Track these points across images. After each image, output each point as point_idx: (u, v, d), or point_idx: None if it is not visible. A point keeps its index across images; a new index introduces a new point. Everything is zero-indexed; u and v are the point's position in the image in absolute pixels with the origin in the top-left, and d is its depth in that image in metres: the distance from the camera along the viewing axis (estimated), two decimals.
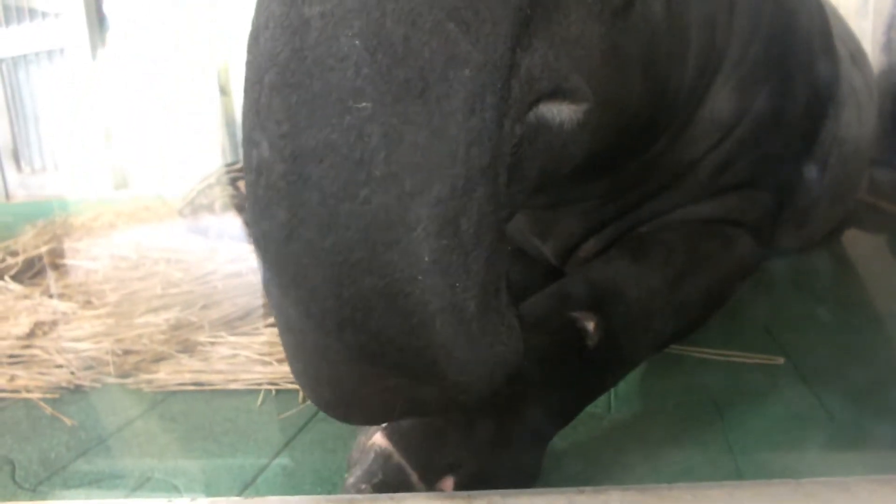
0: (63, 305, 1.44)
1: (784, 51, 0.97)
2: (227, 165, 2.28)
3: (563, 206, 0.98)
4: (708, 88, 0.89)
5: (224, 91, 4.03)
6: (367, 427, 0.67)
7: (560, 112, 0.55)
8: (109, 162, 4.56)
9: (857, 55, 1.53)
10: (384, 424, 0.63)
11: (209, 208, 2.01)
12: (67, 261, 1.74)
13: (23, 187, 5.10)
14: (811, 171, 1.25)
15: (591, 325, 0.74)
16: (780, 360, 0.96)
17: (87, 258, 1.79)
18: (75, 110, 4.77)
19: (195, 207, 2.03)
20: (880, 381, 0.88)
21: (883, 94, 2.10)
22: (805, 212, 1.31)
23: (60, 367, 1.13)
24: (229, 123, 4.04)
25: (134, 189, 4.48)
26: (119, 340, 1.22)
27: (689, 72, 0.83)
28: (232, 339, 1.20)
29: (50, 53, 4.87)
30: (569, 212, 0.98)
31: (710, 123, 0.89)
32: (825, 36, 1.24)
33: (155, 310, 1.33)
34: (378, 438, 0.62)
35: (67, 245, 1.85)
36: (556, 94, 0.54)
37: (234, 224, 1.96)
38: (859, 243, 1.64)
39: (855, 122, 1.39)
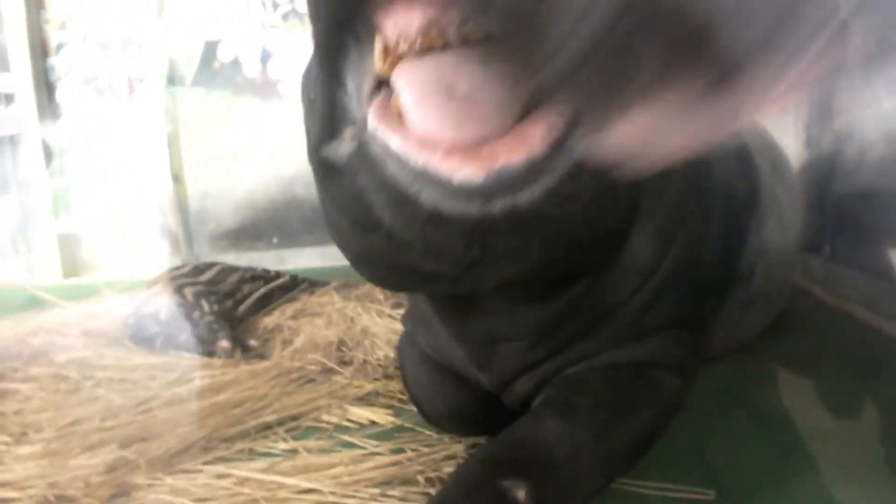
0: None
1: (699, 191, 1.03)
2: (173, 270, 2.27)
3: (497, 342, 1.00)
4: (626, 236, 0.93)
5: (177, 179, 4.03)
6: None
7: None
8: (59, 251, 4.48)
9: (778, 163, 1.61)
10: None
11: (154, 318, 1.99)
12: (2, 384, 1.69)
13: None
14: (736, 287, 1.30)
15: (521, 494, 0.75)
16: (712, 495, 0.98)
17: (26, 378, 1.74)
18: (26, 198, 4.71)
19: (140, 317, 2.01)
20: None
21: (808, 185, 2.21)
22: (733, 321, 1.36)
23: None
24: (183, 211, 4.03)
25: (84, 277, 4.41)
26: (52, 485, 1.18)
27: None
28: (169, 480, 1.17)
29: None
30: (502, 349, 1.01)
31: (630, 269, 0.94)
32: (742, 159, 1.31)
33: (91, 448, 1.29)
34: None
35: (5, 366, 1.81)
36: None
37: (180, 334, 1.93)
38: (792, 339, 1.69)
39: (778, 230, 1.45)
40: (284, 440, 1.30)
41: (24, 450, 1.33)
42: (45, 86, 4.58)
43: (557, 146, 0.49)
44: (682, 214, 0.99)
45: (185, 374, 1.67)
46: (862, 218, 1.93)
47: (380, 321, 1.97)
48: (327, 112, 0.65)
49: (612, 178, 0.61)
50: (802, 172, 2.21)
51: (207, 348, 1.85)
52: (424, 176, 0.50)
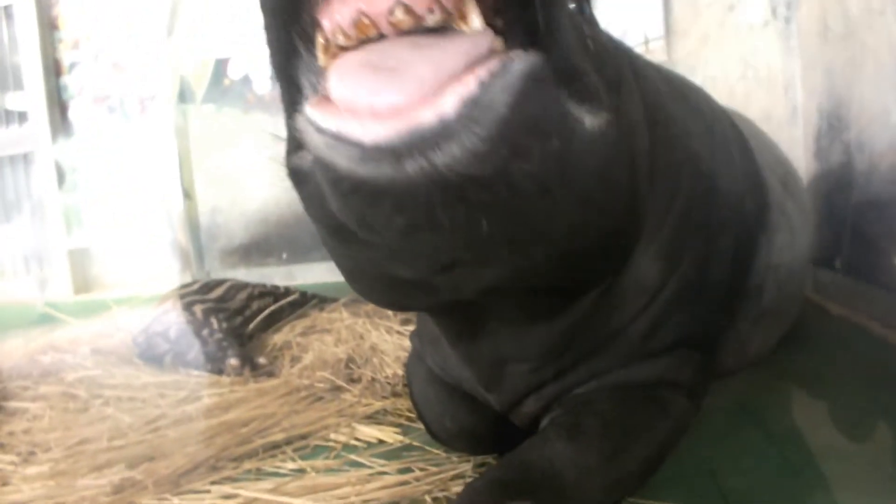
0: (6, 458, 1.41)
1: (705, 209, 1.02)
2: (183, 287, 2.28)
3: (505, 364, 1.00)
4: (629, 254, 0.92)
5: (188, 195, 4.05)
6: None
7: (580, 112, 0.61)
8: (70, 267, 4.52)
9: (788, 178, 1.60)
10: None
11: (164, 336, 1.99)
12: (12, 403, 1.70)
13: None
14: (746, 303, 1.29)
15: None
16: None
17: (36, 397, 1.75)
18: (38, 214, 4.75)
19: (150, 335, 2.01)
20: None
21: (817, 197, 2.19)
22: (744, 336, 1.34)
23: None
24: (193, 228, 4.05)
25: (95, 293, 4.44)
26: None
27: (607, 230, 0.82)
28: (176, 500, 1.17)
29: (13, 158, 4.87)
30: (510, 370, 1.00)
31: (635, 289, 0.93)
32: (751, 175, 1.30)
33: (99, 468, 1.30)
34: None
35: (16, 384, 1.82)
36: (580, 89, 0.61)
37: (189, 352, 1.94)
38: (805, 353, 1.67)
39: (788, 245, 1.44)
40: (292, 460, 1.30)
41: (31, 470, 1.34)
42: (58, 104, 4.63)
43: (471, 103, 0.48)
44: (689, 234, 0.98)
45: (194, 393, 1.68)
46: (873, 230, 1.91)
47: (389, 338, 1.97)
48: (290, 119, 0.65)
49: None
50: (812, 184, 2.20)
51: (217, 366, 1.86)
52: (339, 140, 0.50)
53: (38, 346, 2.17)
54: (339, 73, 0.53)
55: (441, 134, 0.48)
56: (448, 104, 0.48)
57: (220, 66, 3.99)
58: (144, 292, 3.84)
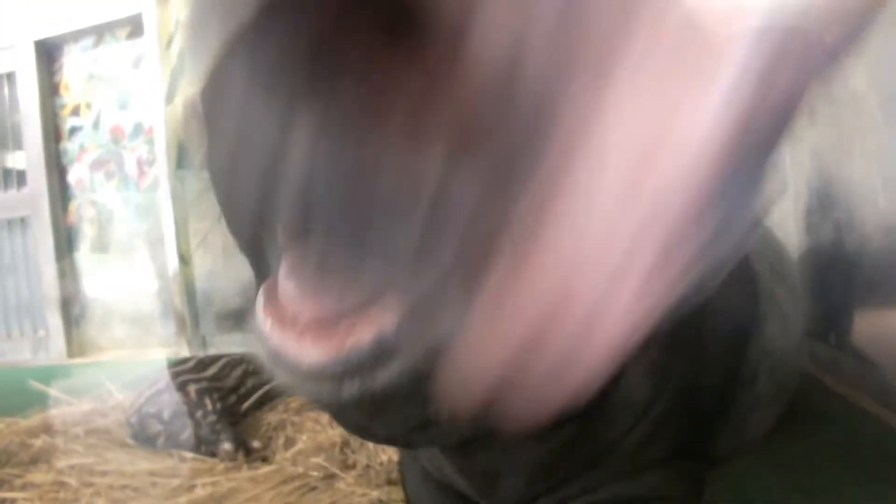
0: None
1: (694, 323, 1.02)
2: (178, 364, 2.27)
3: (497, 476, 0.99)
4: (619, 373, 0.92)
5: (184, 260, 4.07)
6: None
7: None
8: (65, 330, 4.50)
9: (778, 262, 1.61)
10: None
11: (157, 417, 1.98)
12: (2, 494, 1.67)
13: None
14: (739, 394, 1.29)
15: None
16: None
17: (25, 485, 1.72)
18: (34, 278, 4.76)
19: (143, 416, 1.99)
20: None
21: (810, 272, 2.21)
22: (737, 425, 1.33)
23: None
24: (189, 293, 4.05)
25: (90, 357, 4.41)
26: None
27: None
28: None
29: (10, 222, 4.90)
30: (503, 482, 0.99)
31: (626, 405, 0.92)
32: (741, 273, 1.31)
33: None
34: None
35: (5, 471, 1.79)
36: None
37: (182, 433, 1.92)
38: (801, 435, 1.67)
39: (780, 331, 1.44)
40: None
41: None
42: (57, 169, 4.69)
43: (408, 324, 0.46)
44: (678, 345, 0.98)
45: (187, 481, 1.65)
46: (864, 307, 1.93)
47: None
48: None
49: None
50: (804, 258, 2.22)
51: (210, 449, 1.84)
52: (278, 358, 0.47)
53: (29, 427, 2.14)
54: (287, 265, 0.51)
55: (379, 357, 0.46)
56: (387, 326, 0.46)
57: None
58: (139, 356, 3.82)
